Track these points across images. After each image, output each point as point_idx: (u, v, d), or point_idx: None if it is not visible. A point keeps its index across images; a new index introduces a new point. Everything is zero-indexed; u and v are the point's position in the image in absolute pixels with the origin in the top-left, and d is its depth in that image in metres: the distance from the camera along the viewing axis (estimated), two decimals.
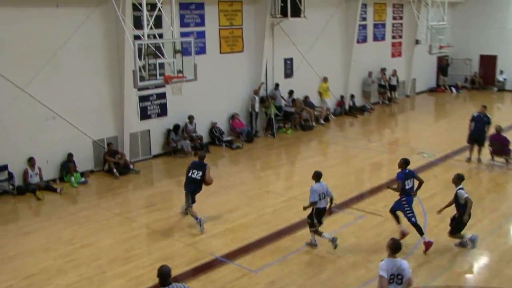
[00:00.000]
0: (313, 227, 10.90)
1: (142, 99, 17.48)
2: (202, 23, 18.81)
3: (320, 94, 23.95)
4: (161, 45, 13.73)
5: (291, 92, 22.03)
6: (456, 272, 10.27)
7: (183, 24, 18.11)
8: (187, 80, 13.78)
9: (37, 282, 9.80)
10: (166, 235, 11.77)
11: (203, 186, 12.36)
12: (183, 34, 17.64)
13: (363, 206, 13.24)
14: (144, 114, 17.61)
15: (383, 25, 27.38)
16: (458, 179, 11.03)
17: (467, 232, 11.16)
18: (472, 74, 32.07)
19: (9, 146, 14.52)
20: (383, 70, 27.12)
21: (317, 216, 10.82)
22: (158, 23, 15.46)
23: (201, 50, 18.73)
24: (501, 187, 15.24)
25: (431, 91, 31.59)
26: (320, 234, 10.93)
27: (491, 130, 16.88)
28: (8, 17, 14.14)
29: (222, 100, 19.85)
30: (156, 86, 16.68)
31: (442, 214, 11.38)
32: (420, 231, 11.00)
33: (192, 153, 18.22)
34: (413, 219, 11.04)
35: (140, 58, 12.98)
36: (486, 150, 16.96)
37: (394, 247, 7.36)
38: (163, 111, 18.05)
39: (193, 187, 12.22)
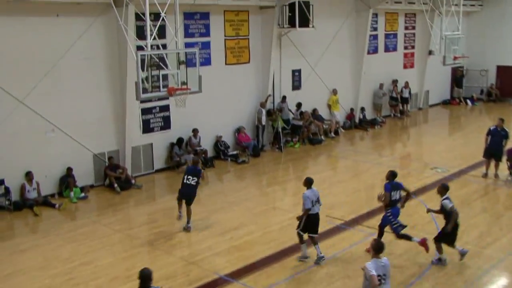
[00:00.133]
0: (298, 230, 11.12)
1: (144, 111, 17.53)
2: (207, 33, 18.91)
3: (329, 106, 23.96)
4: (165, 56, 13.79)
5: (299, 105, 22.05)
6: None
7: (187, 34, 18.21)
8: (191, 92, 13.81)
9: None
10: (169, 253, 11.72)
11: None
12: (187, 45, 17.73)
13: (374, 223, 13.11)
14: (147, 127, 17.65)
15: (395, 35, 27.43)
16: (443, 189, 11.10)
17: (458, 245, 11.15)
18: (489, 86, 31.97)
19: (6, 160, 14.56)
20: (394, 82, 27.11)
21: (307, 222, 10.99)
22: (161, 33, 15.59)
23: (206, 61, 18.81)
24: None
25: (445, 103, 31.52)
26: (302, 242, 11.15)
27: (509, 144, 16.79)
28: (6, 26, 14.26)
29: (227, 113, 19.88)
30: (159, 98, 16.71)
31: (459, 231, 11.28)
32: (408, 238, 11.23)
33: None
34: (398, 228, 11.23)
35: (143, 69, 13.02)
36: (504, 165, 16.84)
37: (378, 248, 7.79)
38: (166, 124, 18.09)
39: (189, 193, 12.71)
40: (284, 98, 21.48)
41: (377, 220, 13.24)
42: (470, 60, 29.43)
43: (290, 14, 20.16)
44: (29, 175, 14.76)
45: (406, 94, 27.57)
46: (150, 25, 13.28)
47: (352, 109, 25.09)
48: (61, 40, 15.21)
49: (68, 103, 15.58)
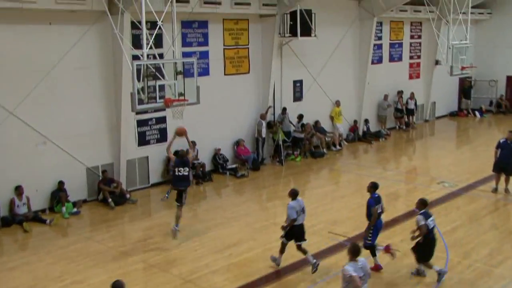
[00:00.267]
0: (283, 239, 11.51)
1: (140, 123, 17.57)
2: (205, 43, 19.00)
3: (332, 118, 24.02)
4: (162, 66, 13.85)
5: (300, 117, 22.09)
6: None
7: (185, 43, 18.30)
8: (189, 104, 13.86)
9: None
10: (165, 271, 11.69)
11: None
12: (185, 54, 17.84)
13: (379, 240, 13.03)
14: (143, 140, 17.69)
15: (400, 45, 27.55)
16: (421, 204, 11.16)
17: (436, 264, 11.23)
18: (498, 97, 32.03)
19: None
20: (400, 93, 27.18)
21: (292, 232, 11.38)
22: (158, 42, 15.66)
23: (204, 71, 18.88)
24: None
25: (452, 115, 31.59)
26: (281, 251, 11.55)
27: None
28: None
29: (226, 125, 19.93)
30: (156, 110, 16.72)
31: (468, 249, 11.30)
32: (374, 253, 11.56)
33: (194, 182, 18.25)
34: (366, 241, 11.51)
35: (138, 79, 13.08)
36: None
37: (354, 251, 8.30)
38: (163, 136, 18.11)
39: (185, 183, 13.45)
40: (284, 109, 21.53)
41: (381, 237, 13.24)
42: (479, 70, 29.52)
43: (291, 23, 20.25)
44: (18, 190, 14.75)
45: (411, 106, 27.63)
46: (146, 33, 13.34)
47: (355, 121, 25.14)
48: (54, 49, 15.27)
49: (61, 114, 15.61)
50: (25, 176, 15.02)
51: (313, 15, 20.62)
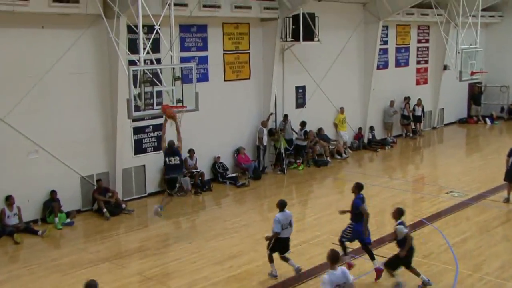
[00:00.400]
0: (269, 251, 11.67)
1: (137, 131, 17.64)
2: (204, 47, 19.09)
3: (336, 126, 24.07)
4: (159, 72, 13.95)
5: (303, 124, 22.11)
6: None
7: (183, 48, 18.38)
8: (187, 110, 13.93)
9: None
10: (162, 283, 11.70)
11: None
12: (183, 60, 17.91)
13: (384, 252, 13.12)
14: (139, 148, 17.73)
15: (407, 49, 27.64)
16: (398, 214, 11.24)
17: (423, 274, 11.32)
18: (510, 103, 32.07)
19: None
20: (406, 99, 27.23)
21: (278, 245, 11.55)
22: (155, 47, 15.75)
23: (204, 77, 18.96)
24: None
25: (461, 122, 31.65)
26: (270, 261, 11.72)
27: None
28: None
29: (226, 133, 19.97)
30: (153, 117, 16.73)
31: (478, 261, 11.30)
32: (345, 250, 12.01)
33: (193, 191, 18.29)
34: (343, 239, 11.88)
35: (135, 85, 13.17)
36: None
37: (333, 258, 8.35)
38: (160, 144, 18.10)
39: (176, 171, 13.92)
40: (286, 116, 21.57)
41: (387, 249, 13.29)
42: (489, 75, 29.57)
43: (293, 27, 20.35)
44: (9, 200, 14.75)
45: (418, 112, 27.67)
46: (143, 38, 13.42)
47: (360, 129, 25.18)
48: (47, 54, 15.34)
49: (54, 122, 15.66)
50: (16, 185, 15.03)
51: (316, 18, 20.67)
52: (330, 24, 22.32)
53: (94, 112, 16.51)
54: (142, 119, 16.85)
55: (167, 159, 13.93)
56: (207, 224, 15.44)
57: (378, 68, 25.42)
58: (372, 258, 11.90)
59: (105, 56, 16.28)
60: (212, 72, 19.36)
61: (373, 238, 14.04)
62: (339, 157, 23.19)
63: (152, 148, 17.99)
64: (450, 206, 16.62)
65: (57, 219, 15.21)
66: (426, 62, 28.93)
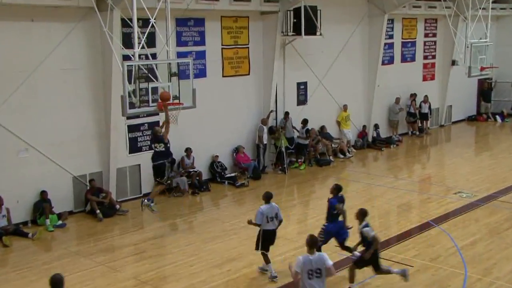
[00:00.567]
0: (262, 251, 11.98)
1: (131, 129, 17.66)
2: (202, 42, 19.11)
3: (339, 124, 24.12)
4: (155, 67, 13.95)
5: (305, 122, 22.12)
6: None
7: (180, 42, 18.40)
8: (184, 108, 13.95)
9: None
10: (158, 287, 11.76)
11: None
12: (180, 54, 17.90)
13: (390, 254, 13.16)
14: (134, 147, 17.76)
15: (413, 44, 27.66)
16: (361, 215, 11.32)
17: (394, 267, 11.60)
18: None
19: None
20: (412, 96, 27.27)
21: (264, 238, 11.88)
22: (151, 41, 15.74)
23: (201, 73, 18.99)
24: None
25: (470, 119, 31.69)
26: (266, 261, 11.96)
27: None
28: None
29: (224, 131, 20.00)
30: (148, 114, 16.83)
31: (488, 265, 11.32)
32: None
33: (190, 191, 18.31)
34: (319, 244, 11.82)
35: (129, 81, 13.18)
36: None
37: (311, 243, 8.78)
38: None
39: (161, 158, 14.33)
40: (286, 114, 21.60)
41: (392, 251, 13.36)
42: (500, 70, 29.59)
43: (295, 20, 20.35)
44: None
45: (425, 110, 27.71)
46: (138, 32, 13.45)
47: (364, 127, 25.22)
48: (37, 48, 15.33)
49: (44, 119, 15.68)
50: (5, 185, 15.03)
51: (318, 12, 20.70)
52: (333, 17, 22.34)
53: (86, 109, 16.53)
54: (137, 116, 16.84)
55: (153, 146, 14.50)
56: (205, 226, 15.48)
57: (383, 63, 25.44)
58: (351, 251, 12.24)
59: (98, 50, 16.29)
60: (210, 68, 19.38)
61: None
62: (342, 156, 23.22)
63: (148, 146, 17.94)
64: (459, 207, 16.64)
65: (48, 221, 15.23)
66: (434, 57, 28.93)
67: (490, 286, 11.47)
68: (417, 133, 27.54)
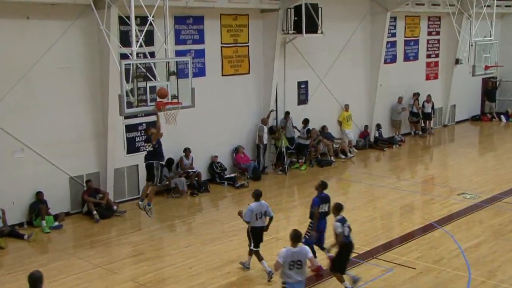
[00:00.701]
0: (254, 249, 12.26)
1: (129, 128, 17.68)
2: (201, 40, 19.12)
3: (340, 123, 24.13)
4: (153, 66, 13.97)
5: (305, 121, 22.15)
6: None
7: (178, 41, 18.42)
8: (183, 107, 13.94)
9: None
10: None
11: None
12: (178, 53, 17.91)
13: (392, 257, 13.19)
14: (132, 147, 17.77)
15: (416, 42, 27.67)
16: (335, 209, 11.47)
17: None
18: None
19: None
20: (415, 95, 27.27)
21: (253, 235, 12.17)
22: (149, 39, 15.76)
23: (200, 72, 19.00)
24: None
25: (474, 119, 31.68)
26: (259, 259, 12.23)
27: None
28: None
29: (224, 131, 20.02)
30: (146, 114, 16.83)
31: (492, 268, 11.33)
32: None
33: (188, 192, 18.34)
34: (308, 241, 12.10)
35: (127, 80, 13.18)
36: None
37: (294, 237, 9.38)
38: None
39: (149, 159, 14.66)
40: (287, 113, 21.60)
41: (395, 253, 13.39)
42: (505, 69, 29.43)
43: (295, 19, 20.37)
44: None
45: (428, 109, 27.70)
46: (135, 30, 13.45)
47: (366, 126, 25.23)
48: (32, 47, 15.33)
49: (40, 119, 15.68)
50: (0, 186, 15.05)
51: (319, 9, 20.72)
52: (334, 15, 22.33)
53: (83, 108, 16.54)
54: (135, 116, 16.87)
55: (145, 145, 15.10)
56: (204, 227, 15.49)
57: (385, 62, 25.44)
58: (322, 249, 12.55)
59: (95, 49, 16.30)
60: (209, 67, 19.39)
61: (379, 242, 14.23)
62: (343, 156, 23.23)
63: (146, 146, 17.96)
64: (462, 208, 16.66)
65: (44, 222, 15.24)
66: (437, 55, 28.94)
67: None
68: (420, 133, 27.55)
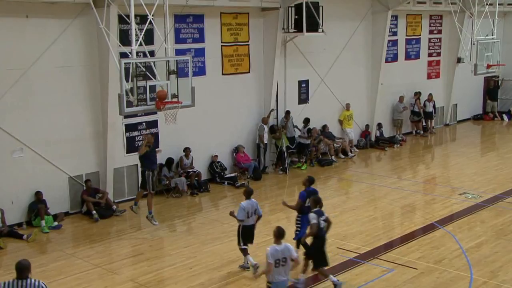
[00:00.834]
0: (240, 245, 12.53)
1: (129, 128, 17.68)
2: (201, 39, 19.13)
3: (341, 123, 24.14)
4: (153, 65, 13.98)
5: (306, 121, 22.16)
6: None
7: (178, 39, 18.42)
8: (183, 106, 13.96)
9: None
10: None
11: None
12: (178, 52, 17.94)
13: (393, 257, 13.19)
14: (132, 146, 17.76)
15: (418, 41, 27.66)
16: (313, 202, 11.66)
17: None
18: None
19: None
20: (417, 95, 27.26)
21: (243, 233, 12.42)
22: (149, 38, 15.78)
23: (200, 71, 19.01)
24: None
25: (476, 119, 31.70)
26: (245, 254, 12.48)
27: None
28: None
29: (224, 130, 20.03)
30: (146, 113, 16.86)
31: (494, 268, 11.31)
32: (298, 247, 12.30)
33: (188, 192, 18.34)
34: (299, 235, 12.37)
35: (127, 79, 13.20)
36: None
37: (278, 234, 9.71)
38: (154, 142, 18.06)
39: (142, 165, 15.40)
40: (287, 113, 21.60)
41: (396, 253, 13.38)
42: (507, 68, 29.54)
43: (296, 17, 20.39)
44: None
45: (430, 108, 27.71)
46: (135, 29, 13.46)
47: (367, 126, 25.24)
48: (31, 46, 15.33)
49: (40, 118, 15.69)
50: None
51: (320, 8, 20.77)
52: (335, 14, 22.36)
53: (83, 108, 16.54)
54: (135, 115, 16.90)
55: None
56: (204, 227, 15.50)
57: (386, 61, 25.44)
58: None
59: (95, 48, 16.30)
60: (209, 66, 19.39)
61: (381, 242, 14.22)
62: (343, 156, 23.24)
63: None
64: (464, 208, 16.66)
65: (43, 222, 15.25)
66: (439, 54, 28.93)
67: None
68: (422, 132, 27.55)
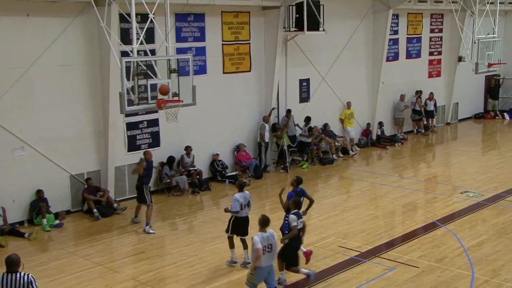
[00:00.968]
0: (230, 234, 12.67)
1: (130, 126, 17.67)
2: (202, 38, 19.11)
3: (342, 121, 24.12)
4: (154, 63, 13.93)
5: (307, 119, 22.16)
6: None
7: (179, 38, 18.40)
8: (184, 105, 13.94)
9: None
10: None
11: None
12: (179, 51, 17.94)
13: (395, 255, 13.17)
14: (133, 145, 17.77)
15: (419, 40, 27.63)
16: (294, 203, 11.78)
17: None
18: None
19: None
20: (418, 93, 27.25)
21: (235, 224, 12.55)
22: (149, 37, 15.74)
23: (201, 70, 18.99)
24: None
25: (477, 117, 31.69)
26: (231, 246, 12.66)
27: None
28: None
29: (225, 129, 20.02)
30: (147, 112, 16.81)
31: (496, 267, 11.28)
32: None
33: (190, 191, 18.33)
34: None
35: (128, 78, 13.18)
36: None
37: (263, 222, 10.27)
38: (155, 141, 18.21)
39: (143, 179, 15.42)
40: (288, 111, 21.58)
41: (397, 252, 13.37)
42: (507, 67, 29.45)
43: (297, 16, 20.37)
44: None
45: (431, 107, 27.68)
46: (136, 27, 13.44)
47: (368, 124, 25.21)
48: (32, 44, 15.32)
49: (41, 117, 15.68)
50: (1, 184, 15.06)
51: (321, 7, 20.72)
52: (336, 12, 22.34)
53: (84, 106, 16.53)
54: (136, 114, 16.92)
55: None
56: (205, 226, 15.48)
57: (387, 59, 25.42)
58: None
59: (96, 46, 16.29)
60: (210, 64, 19.37)
61: (382, 240, 14.20)
62: (343, 155, 23.22)
63: (147, 144, 18.00)
64: (465, 207, 16.62)
65: (44, 221, 15.24)
66: (440, 53, 28.91)
67: (498, 287, 11.44)
68: (423, 131, 27.52)
